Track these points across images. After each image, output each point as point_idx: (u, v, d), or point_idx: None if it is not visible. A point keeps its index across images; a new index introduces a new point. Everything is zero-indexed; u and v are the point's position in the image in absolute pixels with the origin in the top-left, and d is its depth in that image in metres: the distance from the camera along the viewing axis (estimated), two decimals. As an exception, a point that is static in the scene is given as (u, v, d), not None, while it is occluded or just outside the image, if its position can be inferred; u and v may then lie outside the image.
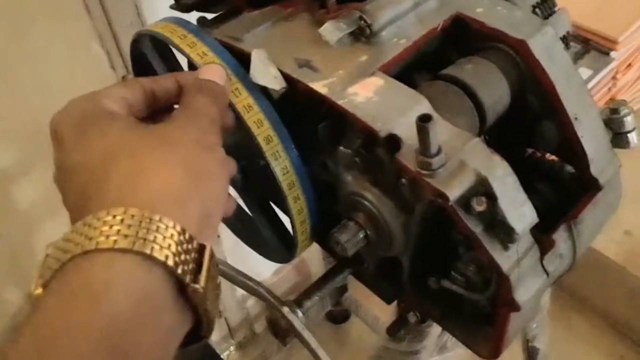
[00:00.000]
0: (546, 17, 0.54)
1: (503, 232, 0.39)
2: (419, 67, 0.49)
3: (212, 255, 0.32)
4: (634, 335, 1.43)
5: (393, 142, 0.40)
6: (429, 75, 0.48)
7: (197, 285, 0.30)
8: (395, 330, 0.56)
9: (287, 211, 0.47)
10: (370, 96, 0.43)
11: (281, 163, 0.44)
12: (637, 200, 1.46)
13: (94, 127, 0.34)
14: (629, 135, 0.56)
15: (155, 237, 0.29)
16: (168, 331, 0.30)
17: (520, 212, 0.40)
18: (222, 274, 0.52)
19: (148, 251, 0.29)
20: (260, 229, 0.57)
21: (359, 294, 1.35)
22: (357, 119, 0.41)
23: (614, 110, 0.55)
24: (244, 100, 0.43)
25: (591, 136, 0.47)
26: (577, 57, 1.45)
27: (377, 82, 0.44)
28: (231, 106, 0.43)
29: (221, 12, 0.54)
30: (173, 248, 0.29)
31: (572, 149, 0.48)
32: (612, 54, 1.42)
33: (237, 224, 0.61)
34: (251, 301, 1.45)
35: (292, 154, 0.45)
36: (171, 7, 0.54)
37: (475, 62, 0.47)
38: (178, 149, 0.33)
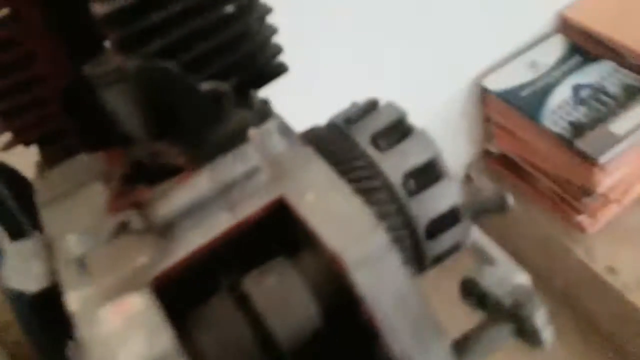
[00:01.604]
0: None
1: None
2: (231, 262, 0.40)
3: None
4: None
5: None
6: (239, 276, 0.39)
7: None
8: None
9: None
10: (117, 326, 0.35)
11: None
12: (619, 239, 1.28)
13: None
14: (541, 333, 0.44)
15: None
16: None
17: None
18: None
19: None
20: None
21: None
22: (89, 361, 0.34)
23: (519, 306, 0.43)
24: None
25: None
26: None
27: (135, 305, 0.35)
28: None
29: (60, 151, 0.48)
30: None
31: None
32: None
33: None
34: None
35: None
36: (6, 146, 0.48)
37: (279, 274, 0.37)
38: None
